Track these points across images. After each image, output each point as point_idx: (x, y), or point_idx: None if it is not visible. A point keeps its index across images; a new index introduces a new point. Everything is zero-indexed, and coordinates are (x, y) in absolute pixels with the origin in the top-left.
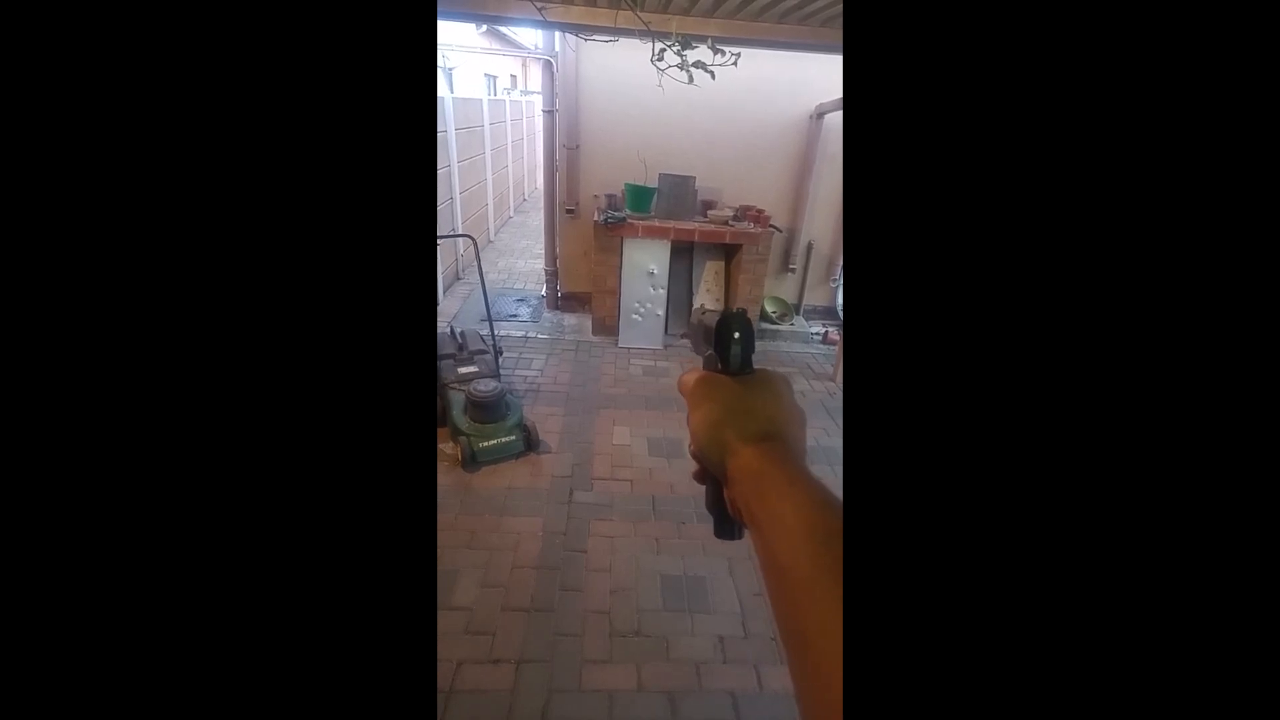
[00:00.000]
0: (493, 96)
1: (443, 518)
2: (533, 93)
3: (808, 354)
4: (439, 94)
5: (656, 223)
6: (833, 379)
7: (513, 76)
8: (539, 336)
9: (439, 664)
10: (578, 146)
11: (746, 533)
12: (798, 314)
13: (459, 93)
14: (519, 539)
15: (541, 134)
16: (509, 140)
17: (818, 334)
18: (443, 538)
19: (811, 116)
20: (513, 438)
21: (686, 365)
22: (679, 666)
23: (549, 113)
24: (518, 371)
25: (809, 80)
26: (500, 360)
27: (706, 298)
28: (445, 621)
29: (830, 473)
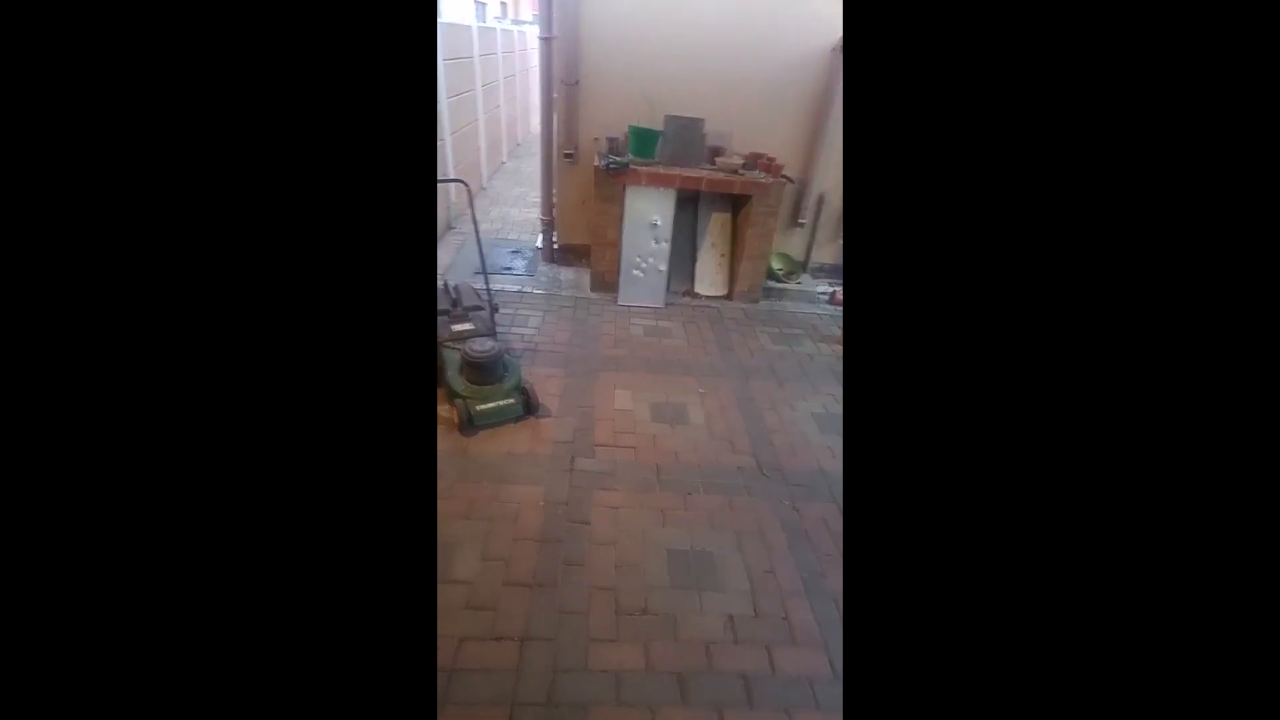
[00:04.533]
0: (482, 24)
1: (440, 485)
2: (524, 23)
3: (814, 314)
4: None
5: (661, 169)
6: (840, 341)
7: (503, 4)
8: (534, 292)
9: (440, 640)
10: (577, 82)
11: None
12: (804, 271)
13: (445, 18)
14: (519, 509)
15: (537, 69)
16: (501, 76)
17: (825, 294)
18: (441, 507)
19: (833, 50)
20: (511, 400)
21: (689, 326)
22: (688, 647)
23: (546, 40)
24: (514, 329)
25: (829, 12)
26: (496, 317)
27: (712, 252)
28: (445, 595)
29: (840, 443)
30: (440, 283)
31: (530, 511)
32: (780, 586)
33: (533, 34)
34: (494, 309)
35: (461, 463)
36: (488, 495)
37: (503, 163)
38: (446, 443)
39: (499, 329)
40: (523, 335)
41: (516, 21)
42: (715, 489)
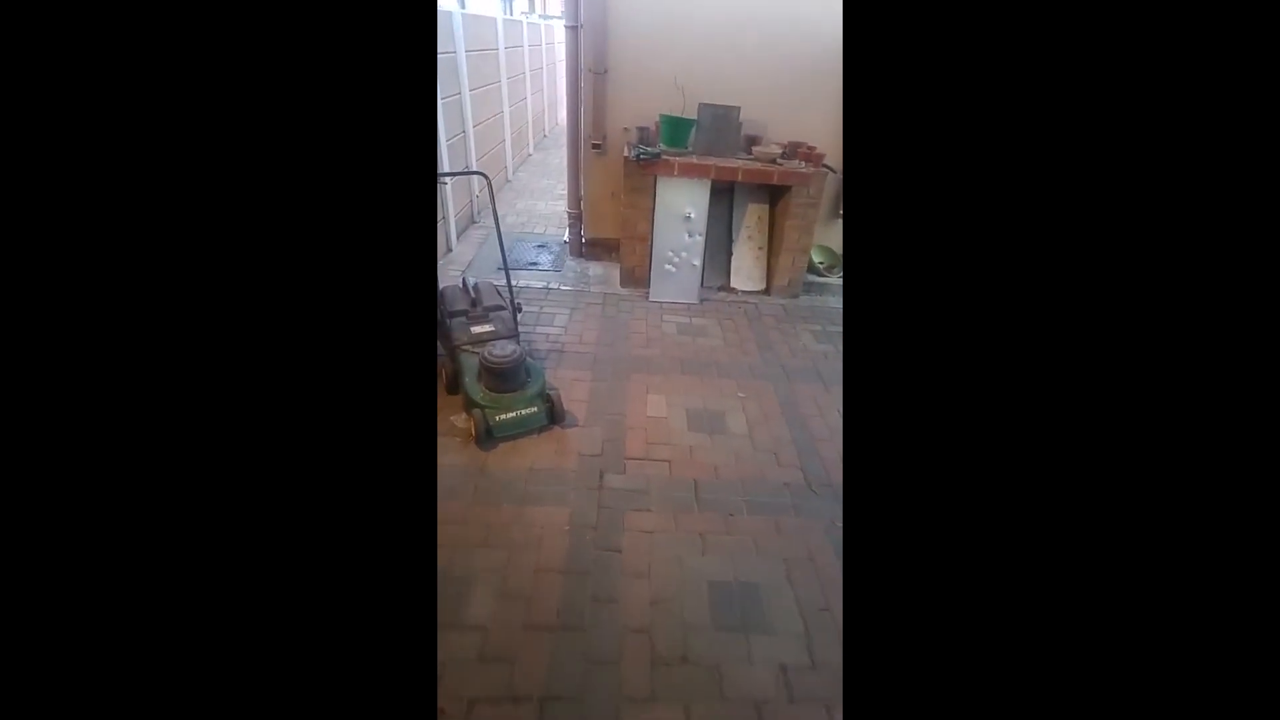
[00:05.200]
0: (508, 16)
1: (455, 507)
2: (552, 17)
3: None
4: (447, 8)
5: (695, 160)
6: None
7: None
8: (561, 288)
9: (449, 702)
10: (606, 71)
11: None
12: None
13: (470, 9)
14: (542, 535)
15: (564, 62)
16: (527, 68)
17: None
18: (455, 533)
19: None
20: (534, 409)
21: (725, 324)
22: (736, 708)
23: (572, 29)
24: (538, 328)
25: None
26: (519, 317)
27: (748, 245)
28: (455, 645)
29: None
30: (460, 281)
31: (554, 537)
32: (838, 628)
33: (561, 28)
34: (516, 309)
35: (479, 480)
36: (507, 518)
37: (529, 154)
38: (463, 457)
39: (522, 329)
40: (548, 335)
41: (544, 16)
42: (760, 508)
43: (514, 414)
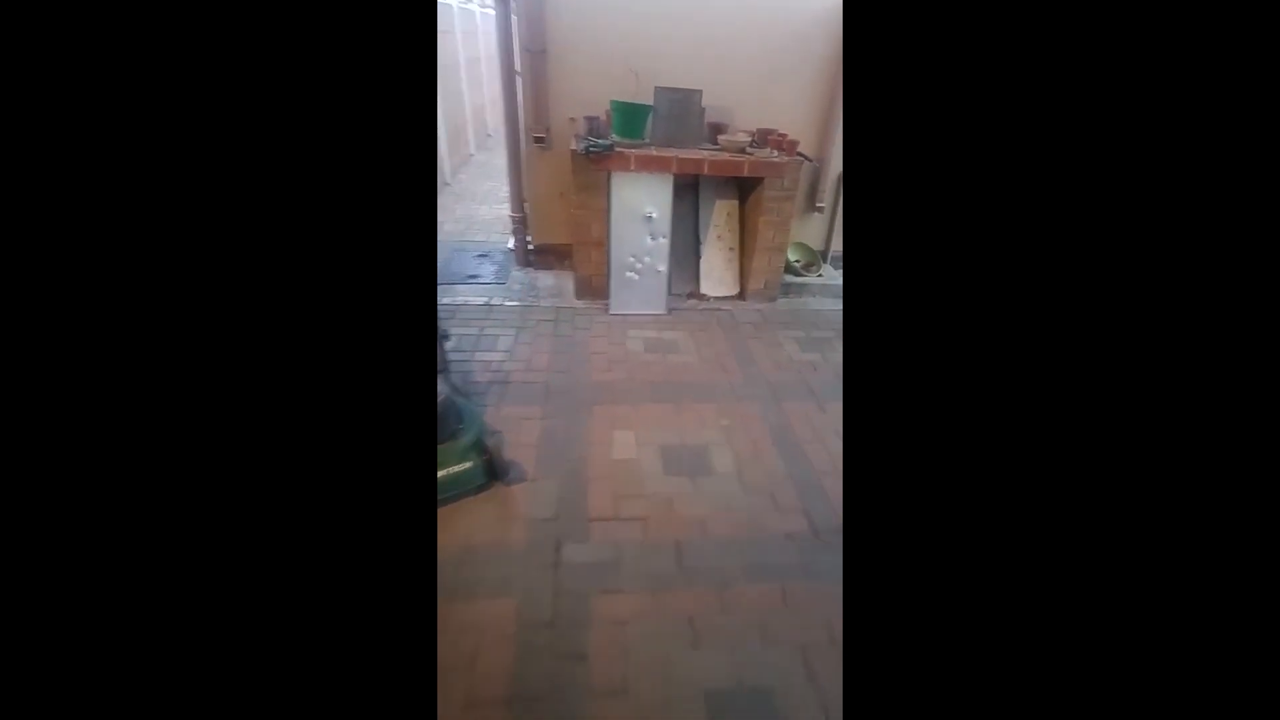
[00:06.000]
0: None
1: None
2: (486, 6)
3: (838, 311)
4: None
5: (653, 152)
6: None
7: None
8: (506, 303)
9: None
10: (544, 50)
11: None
12: (825, 262)
13: None
14: (479, 645)
15: (496, 42)
16: (461, 58)
17: None
18: None
19: None
20: (468, 464)
21: (698, 336)
22: None
23: (502, 1)
24: (477, 355)
25: None
26: (447, 347)
27: (718, 245)
28: None
29: None
30: None
31: (495, 646)
32: None
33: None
34: (443, 337)
35: None
36: None
37: (470, 155)
38: None
39: (453, 358)
40: (488, 363)
41: (481, 2)
42: (760, 573)
43: (444, 473)
